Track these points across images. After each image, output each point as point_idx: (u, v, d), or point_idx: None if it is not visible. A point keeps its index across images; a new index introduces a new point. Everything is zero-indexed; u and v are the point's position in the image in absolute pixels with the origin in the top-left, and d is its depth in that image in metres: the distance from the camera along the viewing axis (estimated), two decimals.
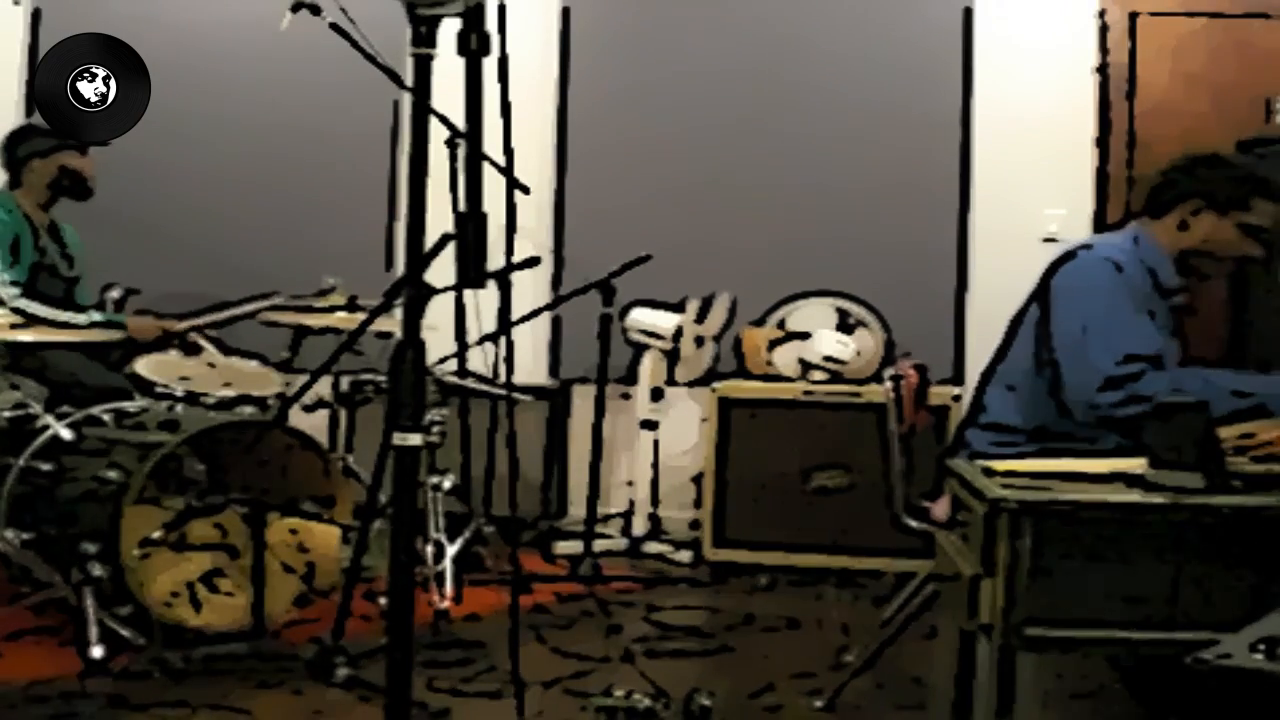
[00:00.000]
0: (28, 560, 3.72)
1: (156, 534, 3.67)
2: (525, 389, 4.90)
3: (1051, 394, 3.14)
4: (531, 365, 5.59)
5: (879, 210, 5.50)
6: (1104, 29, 5.45)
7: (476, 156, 2.32)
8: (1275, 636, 1.68)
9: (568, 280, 5.52)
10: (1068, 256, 3.22)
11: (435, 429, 4.29)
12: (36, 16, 5.73)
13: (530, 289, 5.33)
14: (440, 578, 4.03)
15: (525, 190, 3.06)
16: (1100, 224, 5.33)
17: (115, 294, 4.75)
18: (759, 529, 5.00)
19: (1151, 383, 2.93)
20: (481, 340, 4.35)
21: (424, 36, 2.22)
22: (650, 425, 5.29)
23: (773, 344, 5.25)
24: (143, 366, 4.19)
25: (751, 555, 4.98)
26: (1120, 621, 2.27)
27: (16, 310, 4.04)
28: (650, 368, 5.30)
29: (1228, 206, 3.12)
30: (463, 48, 2.24)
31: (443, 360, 4.53)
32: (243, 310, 4.66)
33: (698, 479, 5.28)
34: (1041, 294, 3.19)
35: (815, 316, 5.27)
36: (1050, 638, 2.28)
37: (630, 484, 5.35)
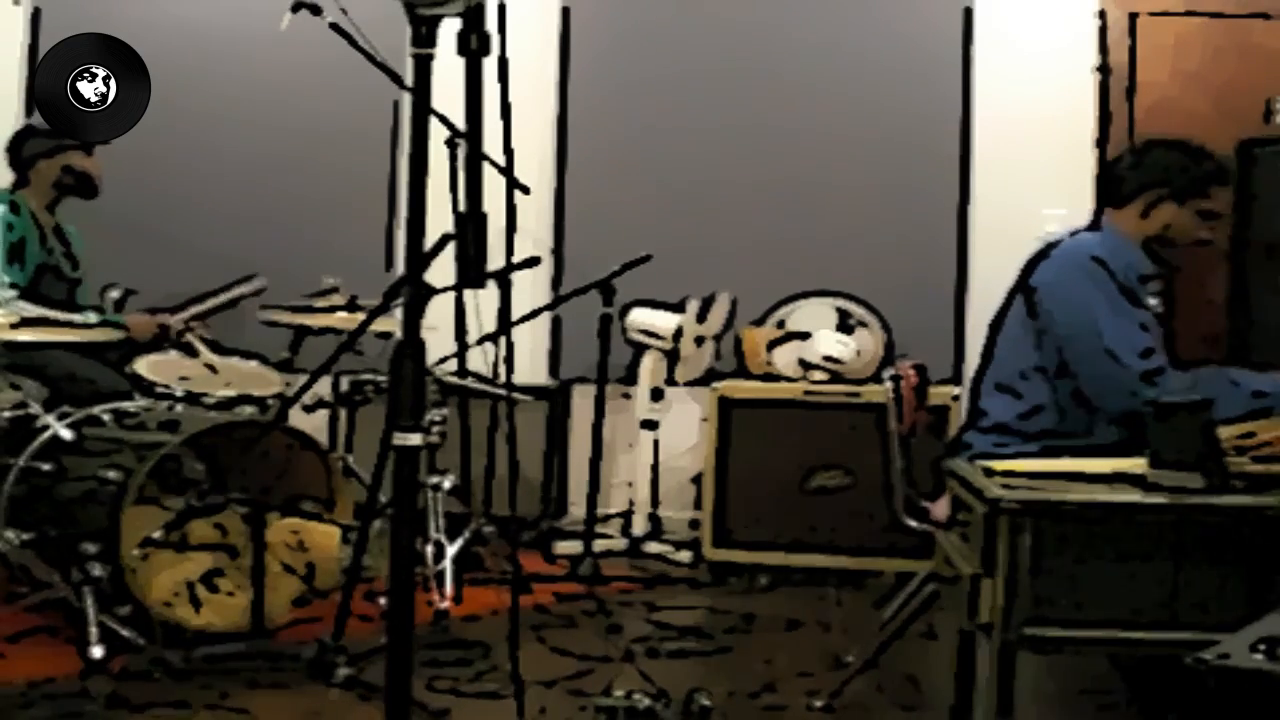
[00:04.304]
0: (28, 560, 3.72)
1: (156, 534, 3.66)
2: (525, 389, 4.90)
3: (1055, 392, 3.15)
4: (531, 365, 5.59)
5: (879, 210, 5.50)
6: (1104, 29, 5.44)
7: (476, 156, 2.32)
8: (1275, 636, 1.68)
9: (568, 280, 5.52)
10: (1044, 254, 3.23)
11: (435, 429, 4.29)
12: (36, 16, 5.73)
13: (530, 289, 5.33)
14: (440, 578, 4.03)
15: (525, 190, 3.06)
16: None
17: (115, 294, 4.75)
18: (759, 529, 4.99)
19: (1178, 379, 2.97)
20: (481, 340, 4.36)
21: (424, 36, 2.22)
22: (650, 425, 5.29)
23: (773, 344, 5.24)
24: (143, 366, 4.19)
25: (751, 555, 4.98)
26: (1120, 621, 2.28)
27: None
28: (650, 368, 5.30)
29: (1187, 195, 3.17)
30: (463, 48, 2.23)
31: (443, 360, 4.53)
32: (232, 295, 4.64)
33: (698, 479, 5.28)
34: (1025, 293, 3.20)
35: (815, 316, 5.27)
36: (1050, 638, 2.29)
37: (630, 484, 5.35)
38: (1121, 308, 3.06)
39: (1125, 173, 3.25)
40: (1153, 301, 3.19)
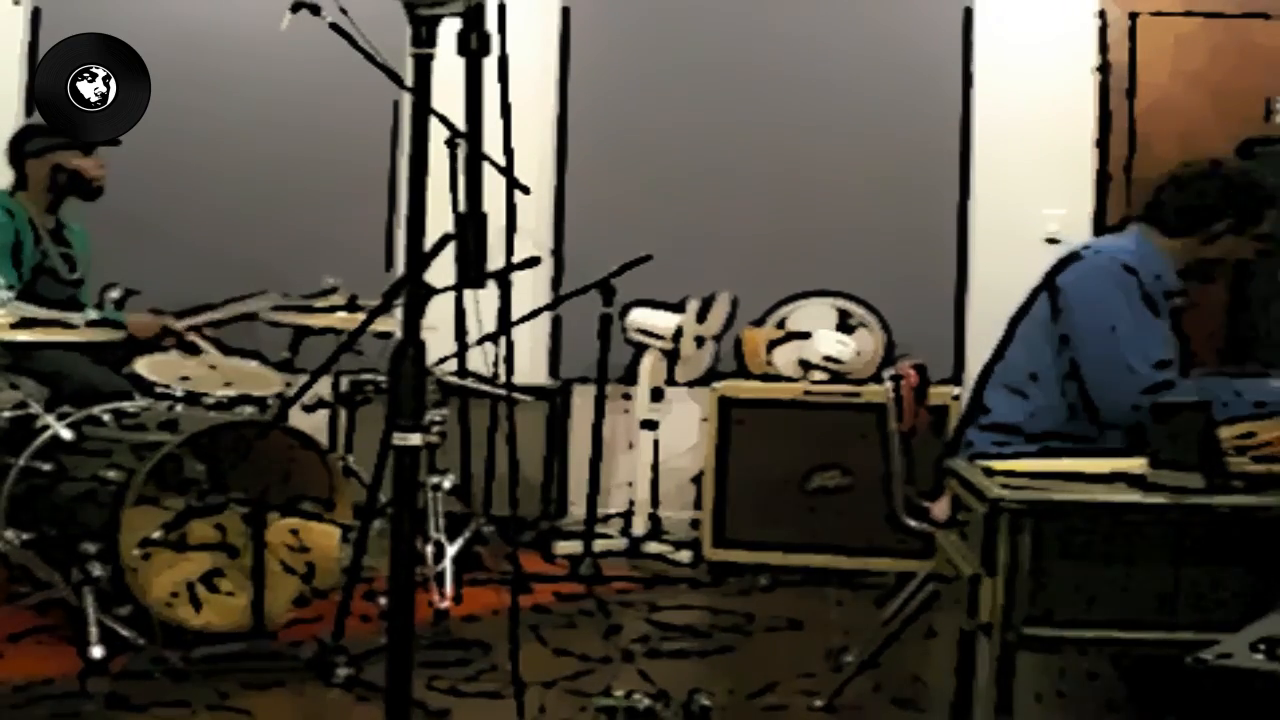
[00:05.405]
0: (28, 560, 3.72)
1: (156, 534, 3.67)
2: (525, 389, 4.90)
3: (1064, 396, 3.14)
4: (531, 365, 5.59)
5: (879, 210, 5.50)
6: (1104, 28, 5.45)
7: (476, 156, 2.32)
8: (1275, 636, 1.68)
9: (568, 280, 5.52)
10: (1074, 257, 3.22)
11: (435, 429, 4.29)
12: (36, 16, 5.73)
13: (530, 289, 5.33)
14: (440, 578, 4.03)
15: (525, 190, 3.06)
16: (1100, 224, 5.33)
17: (115, 294, 4.75)
18: (759, 529, 5.00)
19: (1185, 390, 2.96)
20: (481, 340, 4.35)
21: (424, 36, 2.22)
22: (650, 425, 5.29)
23: (773, 344, 5.25)
24: (143, 366, 4.19)
25: (751, 555, 4.98)
26: (1120, 621, 2.27)
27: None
28: (650, 368, 5.30)
29: (1248, 225, 3.18)
30: (463, 48, 2.23)
31: (443, 360, 4.53)
32: (240, 309, 4.65)
33: (698, 479, 5.28)
34: (1050, 295, 3.19)
35: (815, 316, 5.27)
36: (1050, 638, 2.29)
37: (630, 484, 5.35)
38: (1144, 316, 3.07)
39: (1180, 206, 3.21)
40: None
